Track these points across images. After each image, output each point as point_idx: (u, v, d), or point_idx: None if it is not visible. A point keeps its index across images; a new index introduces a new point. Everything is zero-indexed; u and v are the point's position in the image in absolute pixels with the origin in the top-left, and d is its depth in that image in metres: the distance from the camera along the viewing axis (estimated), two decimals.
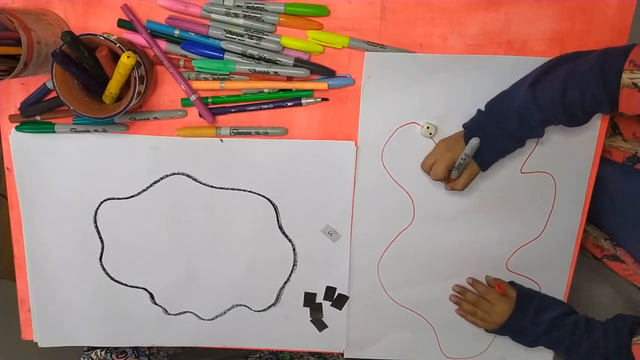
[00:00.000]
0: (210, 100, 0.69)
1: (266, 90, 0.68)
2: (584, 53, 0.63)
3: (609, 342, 0.72)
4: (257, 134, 0.70)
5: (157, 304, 0.78)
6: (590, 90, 0.59)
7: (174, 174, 0.72)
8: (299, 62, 0.67)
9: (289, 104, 0.69)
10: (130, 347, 0.84)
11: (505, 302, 0.76)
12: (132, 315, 0.78)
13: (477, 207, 0.74)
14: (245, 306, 0.78)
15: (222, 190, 0.73)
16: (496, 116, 0.65)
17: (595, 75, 0.59)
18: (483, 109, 0.67)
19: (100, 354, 0.82)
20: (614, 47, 0.60)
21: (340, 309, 0.79)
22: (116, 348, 0.83)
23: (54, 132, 0.70)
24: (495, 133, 0.65)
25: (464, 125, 0.69)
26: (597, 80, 0.58)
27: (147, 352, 0.86)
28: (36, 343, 0.80)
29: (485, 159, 0.67)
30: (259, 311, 0.79)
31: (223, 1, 0.65)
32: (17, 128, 0.70)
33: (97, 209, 0.74)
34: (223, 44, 0.66)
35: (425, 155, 0.70)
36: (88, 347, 0.84)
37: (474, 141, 0.63)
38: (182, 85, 0.67)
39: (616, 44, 0.67)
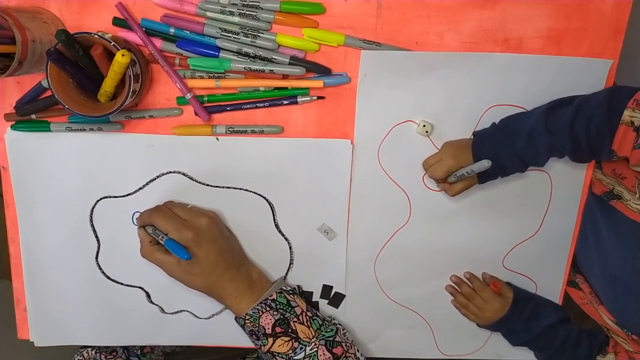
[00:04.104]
0: (205, 98, 0.69)
1: (262, 89, 0.68)
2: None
3: (587, 358, 0.75)
4: (253, 132, 0.70)
5: (153, 303, 0.78)
6: (595, 122, 0.60)
7: (170, 172, 0.72)
8: (294, 60, 0.67)
9: (285, 102, 0.69)
10: (121, 347, 0.84)
11: (498, 302, 0.76)
12: (129, 314, 0.78)
13: (474, 205, 0.74)
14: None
15: (218, 188, 0.73)
16: (508, 132, 0.67)
17: (602, 108, 0.60)
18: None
19: (91, 352, 0.82)
20: (626, 86, 0.62)
21: (337, 307, 0.79)
22: (107, 348, 0.83)
23: (50, 130, 0.70)
24: (503, 149, 0.66)
25: (475, 133, 0.70)
26: (603, 114, 0.60)
27: (139, 352, 0.86)
28: (32, 342, 0.79)
29: (486, 174, 0.67)
30: None
31: None
32: (12, 127, 0.70)
33: (93, 207, 0.74)
34: (218, 42, 0.66)
35: (430, 155, 0.71)
36: (83, 345, 0.84)
37: (485, 163, 0.64)
38: (177, 84, 0.67)
39: (613, 42, 0.68)
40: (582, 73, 0.68)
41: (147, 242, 0.68)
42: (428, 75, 0.68)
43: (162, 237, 0.65)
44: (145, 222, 0.69)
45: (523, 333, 0.77)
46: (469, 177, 0.67)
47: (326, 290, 0.78)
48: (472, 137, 0.71)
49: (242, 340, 0.80)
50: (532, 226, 0.76)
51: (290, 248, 0.76)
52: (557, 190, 0.74)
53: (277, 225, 0.75)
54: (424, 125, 0.70)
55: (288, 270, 0.77)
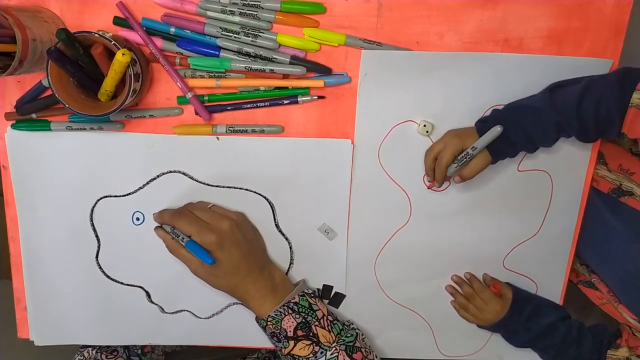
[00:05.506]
0: (206, 98, 0.69)
1: (262, 88, 0.68)
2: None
3: (593, 351, 0.73)
4: (254, 131, 0.70)
5: (153, 303, 0.78)
6: (605, 102, 0.60)
7: (170, 172, 0.72)
8: (295, 60, 0.67)
9: (285, 101, 0.69)
10: (121, 347, 0.84)
11: (498, 303, 0.76)
12: (129, 313, 0.78)
13: (474, 205, 0.74)
14: (243, 304, 0.78)
15: (218, 188, 0.73)
16: (512, 110, 0.66)
17: (613, 89, 0.60)
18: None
19: (92, 352, 0.82)
20: (636, 68, 0.61)
21: (337, 307, 0.79)
22: (107, 347, 0.83)
23: (50, 130, 0.69)
24: (509, 124, 0.65)
25: (478, 120, 0.69)
26: (613, 94, 0.59)
27: (139, 352, 0.86)
28: (32, 342, 0.79)
29: (497, 149, 0.66)
30: None
31: None
32: (12, 126, 0.70)
33: (94, 207, 0.74)
34: (219, 42, 0.66)
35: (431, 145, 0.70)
36: (83, 344, 0.84)
37: (498, 128, 0.62)
38: (178, 83, 0.67)
39: (613, 42, 0.68)
40: (583, 73, 0.68)
41: (169, 238, 0.68)
42: (429, 75, 0.68)
43: (183, 239, 0.66)
44: (165, 222, 0.69)
45: (523, 333, 0.76)
46: (479, 154, 0.65)
47: (326, 290, 0.78)
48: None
49: (242, 340, 0.80)
50: (532, 226, 0.76)
51: (290, 248, 0.76)
52: (558, 190, 0.74)
53: (277, 225, 0.75)
54: (425, 125, 0.70)
55: (288, 270, 0.76)
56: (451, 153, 0.67)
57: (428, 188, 0.73)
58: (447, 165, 0.67)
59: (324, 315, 0.69)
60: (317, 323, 0.68)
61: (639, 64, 0.61)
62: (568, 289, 0.80)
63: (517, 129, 0.65)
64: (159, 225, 0.71)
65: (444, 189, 0.74)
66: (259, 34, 0.66)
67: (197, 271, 0.67)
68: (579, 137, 0.65)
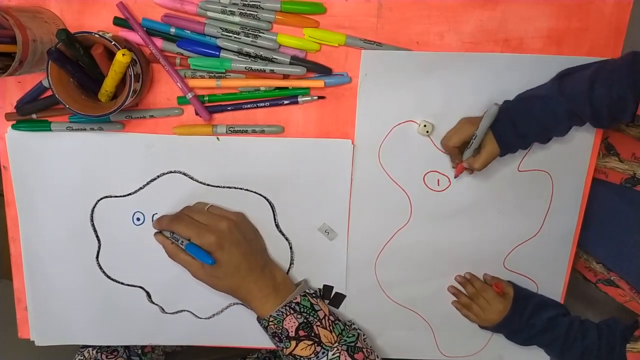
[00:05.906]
0: (206, 98, 0.69)
1: (262, 89, 0.68)
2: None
3: (602, 345, 0.72)
4: (254, 132, 0.70)
5: (154, 303, 0.78)
6: (618, 86, 0.59)
7: (171, 172, 0.72)
8: (295, 60, 0.67)
9: (286, 102, 0.69)
10: (122, 347, 0.84)
11: (501, 303, 0.76)
12: (129, 314, 0.78)
13: (474, 205, 0.74)
14: (243, 305, 0.78)
15: (218, 188, 0.73)
16: (522, 101, 0.66)
17: (625, 72, 0.59)
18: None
19: (92, 352, 0.83)
20: None
21: (337, 307, 0.79)
22: (108, 347, 0.83)
23: (50, 130, 0.70)
24: (519, 115, 0.65)
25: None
26: (626, 78, 0.59)
27: (140, 352, 0.86)
28: (33, 342, 0.79)
29: (506, 141, 0.66)
30: None
31: None
32: (13, 126, 0.70)
33: (94, 207, 0.74)
34: (219, 42, 0.66)
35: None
36: (83, 344, 0.84)
37: (494, 106, 0.62)
38: (178, 84, 0.67)
39: (613, 43, 0.68)
40: None
41: (169, 244, 0.68)
42: (429, 75, 0.68)
43: (182, 242, 0.67)
44: (164, 228, 0.69)
45: (527, 329, 0.76)
46: (487, 144, 0.65)
47: (327, 290, 0.78)
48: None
49: (242, 340, 0.80)
50: (533, 226, 0.76)
51: (290, 248, 0.76)
52: (558, 189, 0.74)
53: (277, 225, 0.75)
54: (425, 125, 0.70)
55: (288, 270, 0.76)
56: (459, 137, 0.67)
57: (455, 177, 0.72)
58: (453, 145, 0.68)
59: (325, 315, 0.69)
60: (318, 323, 0.68)
61: None
62: (569, 289, 0.80)
63: (528, 120, 0.64)
64: (158, 231, 0.71)
65: (444, 189, 0.74)
66: (259, 34, 0.66)
67: (197, 274, 0.67)
68: (593, 122, 0.64)
